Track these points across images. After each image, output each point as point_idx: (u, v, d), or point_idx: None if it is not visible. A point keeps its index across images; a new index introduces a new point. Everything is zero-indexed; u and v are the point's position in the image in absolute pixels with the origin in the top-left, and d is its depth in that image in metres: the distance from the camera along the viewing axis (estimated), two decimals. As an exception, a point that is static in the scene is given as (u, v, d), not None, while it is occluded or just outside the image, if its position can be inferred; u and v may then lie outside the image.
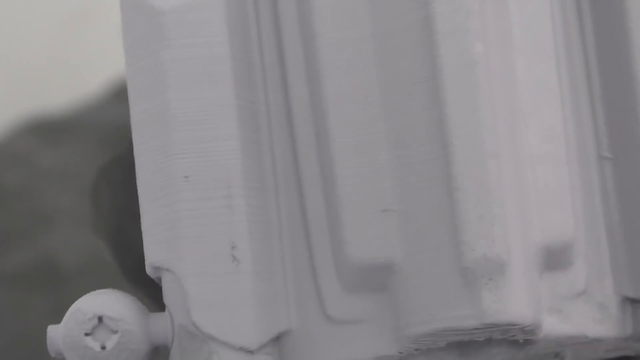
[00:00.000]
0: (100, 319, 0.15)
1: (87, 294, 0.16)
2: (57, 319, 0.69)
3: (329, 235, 0.16)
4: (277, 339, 0.16)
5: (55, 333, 0.16)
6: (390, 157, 0.15)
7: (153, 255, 0.16)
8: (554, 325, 0.16)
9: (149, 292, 0.21)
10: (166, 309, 0.16)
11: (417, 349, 0.15)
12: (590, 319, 0.16)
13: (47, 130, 0.95)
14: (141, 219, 0.16)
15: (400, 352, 0.15)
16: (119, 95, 1.03)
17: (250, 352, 0.15)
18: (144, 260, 0.18)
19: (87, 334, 0.15)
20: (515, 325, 0.15)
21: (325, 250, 0.16)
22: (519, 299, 0.15)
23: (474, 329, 0.15)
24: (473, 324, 0.15)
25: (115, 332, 0.15)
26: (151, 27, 0.15)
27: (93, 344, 0.15)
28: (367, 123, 0.16)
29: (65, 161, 0.90)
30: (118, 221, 0.21)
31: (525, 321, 0.15)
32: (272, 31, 0.16)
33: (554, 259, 0.16)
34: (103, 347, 0.15)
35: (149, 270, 0.16)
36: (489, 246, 0.14)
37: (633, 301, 0.17)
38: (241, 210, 0.15)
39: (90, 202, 0.23)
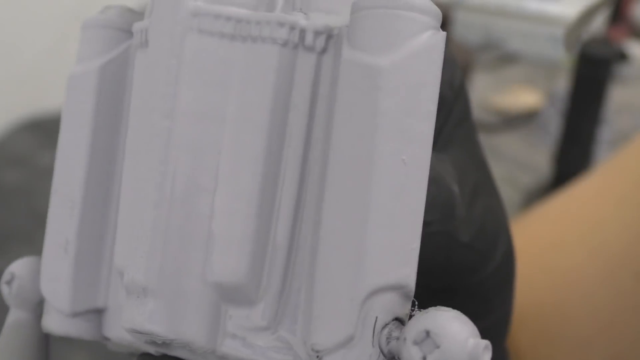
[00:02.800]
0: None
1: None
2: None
3: None
4: (97, 312, 0.21)
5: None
6: None
7: None
8: (236, 348, 0.19)
9: None
10: None
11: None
12: (273, 350, 0.19)
13: (46, 130, 0.95)
14: None
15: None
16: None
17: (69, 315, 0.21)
18: None
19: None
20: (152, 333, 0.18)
21: None
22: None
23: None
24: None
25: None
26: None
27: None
28: None
29: (65, 161, 0.90)
30: None
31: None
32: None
33: (229, 295, 0.19)
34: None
35: None
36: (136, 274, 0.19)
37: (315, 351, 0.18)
38: (75, 215, 0.21)
39: None
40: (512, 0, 1.03)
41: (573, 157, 0.72)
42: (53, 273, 0.21)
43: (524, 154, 0.83)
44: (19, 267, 0.22)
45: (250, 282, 0.19)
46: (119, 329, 0.21)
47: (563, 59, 0.99)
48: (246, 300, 0.19)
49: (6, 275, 0.22)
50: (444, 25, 0.23)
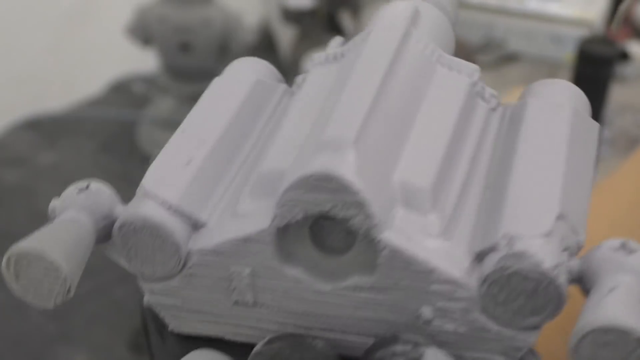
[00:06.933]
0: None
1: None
2: (57, 319, 0.69)
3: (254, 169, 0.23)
4: (194, 225, 0.22)
5: None
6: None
7: None
8: (397, 239, 0.20)
9: None
10: None
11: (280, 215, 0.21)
12: (437, 254, 0.21)
13: (46, 130, 0.95)
14: None
15: (272, 219, 0.21)
16: (117, 96, 1.03)
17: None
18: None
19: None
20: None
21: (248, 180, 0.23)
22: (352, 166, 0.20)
23: (314, 178, 0.20)
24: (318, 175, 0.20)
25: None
26: None
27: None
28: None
29: (64, 160, 0.90)
30: None
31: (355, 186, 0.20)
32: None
33: (408, 197, 0.21)
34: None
35: None
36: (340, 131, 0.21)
37: (478, 256, 0.21)
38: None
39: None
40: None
41: (574, 156, 0.71)
42: (167, 176, 0.22)
43: (524, 153, 0.83)
44: (93, 182, 0.23)
45: (431, 191, 0.22)
46: (207, 245, 0.22)
47: (564, 58, 0.99)
48: (420, 208, 0.22)
49: (81, 184, 0.23)
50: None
